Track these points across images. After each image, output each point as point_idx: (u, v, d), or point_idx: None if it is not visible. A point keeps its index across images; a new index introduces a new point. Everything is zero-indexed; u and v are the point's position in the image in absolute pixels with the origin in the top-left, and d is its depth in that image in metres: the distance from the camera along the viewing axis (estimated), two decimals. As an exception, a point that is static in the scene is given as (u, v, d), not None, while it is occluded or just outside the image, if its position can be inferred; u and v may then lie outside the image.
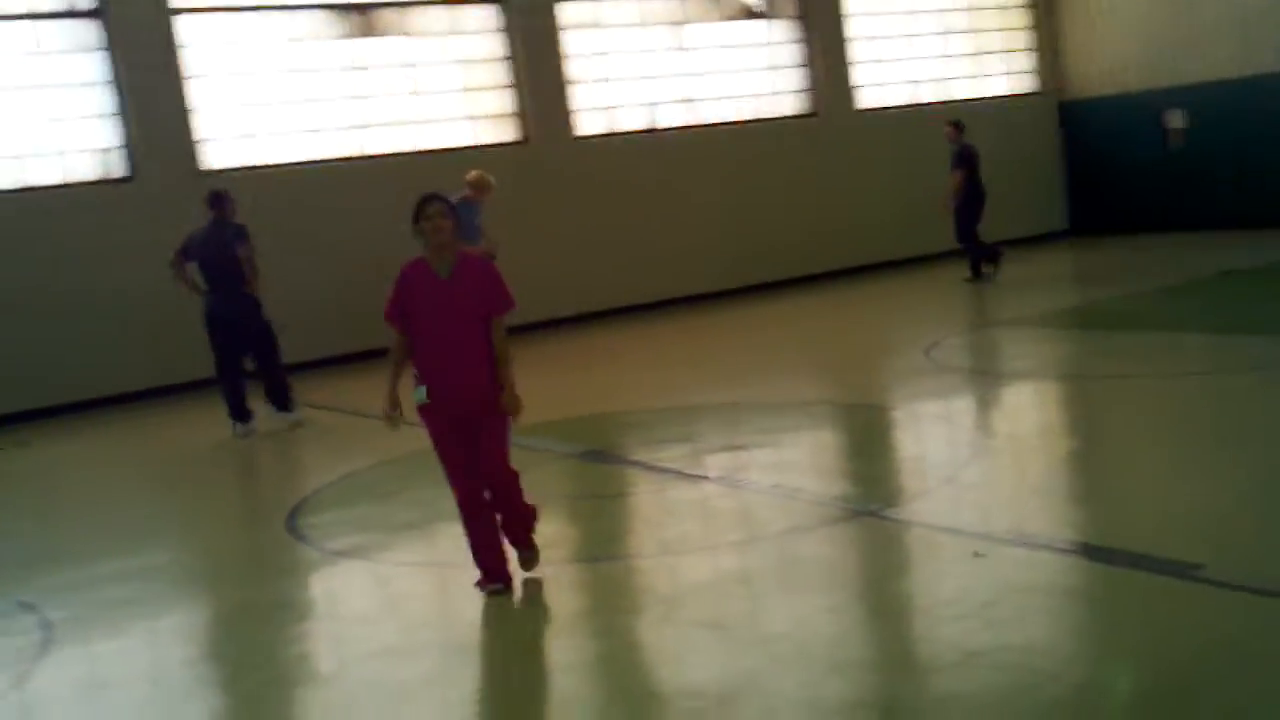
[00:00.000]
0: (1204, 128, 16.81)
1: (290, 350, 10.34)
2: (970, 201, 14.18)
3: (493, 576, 5.31)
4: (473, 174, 11.09)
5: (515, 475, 5.33)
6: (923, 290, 14.55)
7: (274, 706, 4.67)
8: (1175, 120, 17.15)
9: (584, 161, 14.54)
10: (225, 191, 9.75)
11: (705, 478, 7.01)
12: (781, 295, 15.17)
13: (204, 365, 10.00)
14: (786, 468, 7.11)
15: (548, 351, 12.33)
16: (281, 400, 9.79)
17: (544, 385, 10.48)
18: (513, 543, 5.44)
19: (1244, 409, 7.32)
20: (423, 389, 5.23)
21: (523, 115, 14.35)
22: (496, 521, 5.35)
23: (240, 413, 9.68)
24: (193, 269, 9.65)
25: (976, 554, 5.12)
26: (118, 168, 12.31)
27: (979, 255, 14.29)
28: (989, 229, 14.58)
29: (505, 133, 14.32)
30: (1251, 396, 7.57)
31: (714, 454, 7.68)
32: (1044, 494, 6.17)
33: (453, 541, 5.57)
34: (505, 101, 14.30)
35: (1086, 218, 18.35)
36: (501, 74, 14.26)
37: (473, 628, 5.13)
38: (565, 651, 4.87)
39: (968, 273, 14.32)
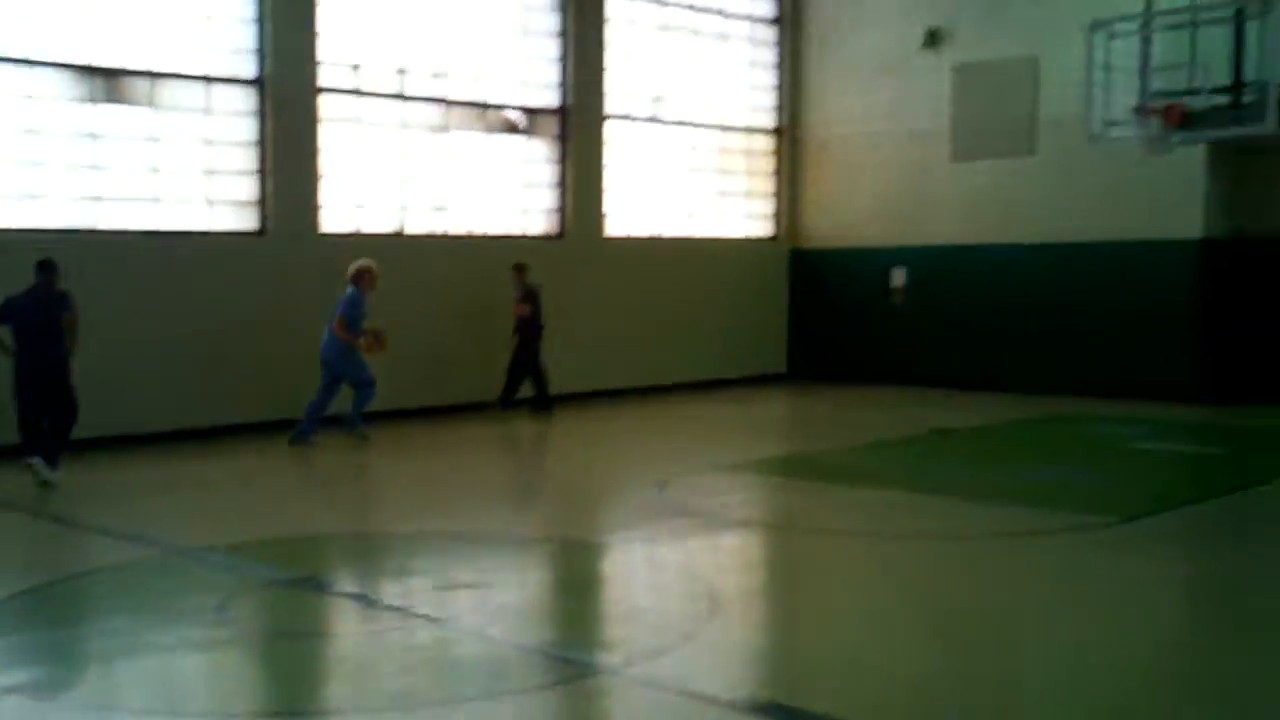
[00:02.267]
0: (926, 288, 17.93)
1: None
2: (532, 339, 14.90)
3: None
4: (363, 263, 12.36)
5: None
6: (651, 424, 14.79)
7: None
8: (899, 278, 18.23)
9: (327, 258, 14.17)
10: (53, 260, 10.28)
11: (422, 616, 6.80)
12: (514, 417, 15.09)
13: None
14: (506, 614, 6.96)
15: (259, 466, 11.84)
16: (53, 458, 10.14)
17: (238, 503, 10.10)
18: None
19: (953, 577, 7.65)
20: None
21: (264, 204, 13.88)
22: None
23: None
24: (4, 331, 10.18)
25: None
26: None
27: (512, 391, 15.05)
28: (706, 368, 15.07)
29: (246, 221, 13.82)
30: (959, 564, 7.93)
31: (434, 591, 7.48)
32: (761, 654, 6.24)
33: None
34: (250, 188, 13.85)
35: (807, 365, 19.14)
36: (250, 159, 13.81)
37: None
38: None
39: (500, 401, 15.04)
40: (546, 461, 12.80)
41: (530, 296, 14.95)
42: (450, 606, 7.05)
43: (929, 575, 7.75)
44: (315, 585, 7.52)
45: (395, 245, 14.82)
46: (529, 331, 14.96)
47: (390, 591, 7.54)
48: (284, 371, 13.43)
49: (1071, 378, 16.53)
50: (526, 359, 15.00)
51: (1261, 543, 8.76)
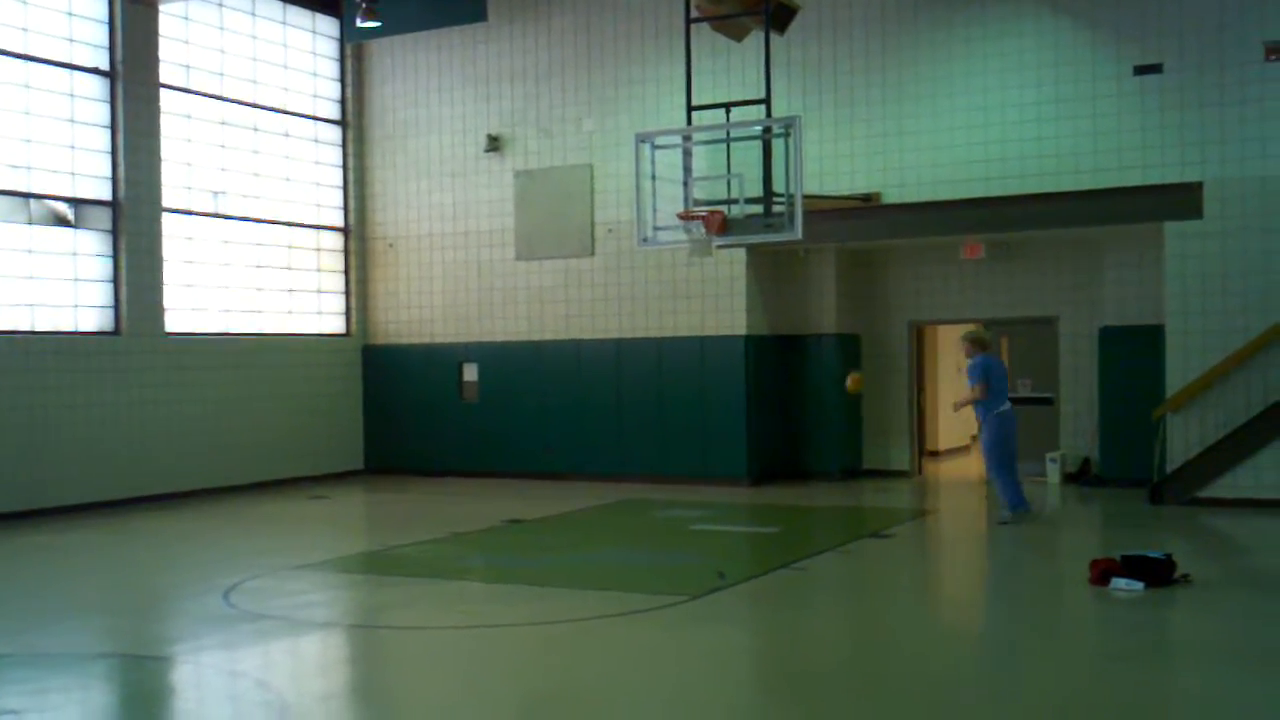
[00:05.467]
0: (496, 382, 18.34)
1: None
2: None
3: None
4: None
5: None
6: (223, 525, 14.16)
7: None
8: (470, 373, 18.57)
9: None
10: None
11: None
12: (73, 522, 14.02)
13: None
14: (60, 736, 6.42)
15: None
16: None
17: None
18: None
19: (535, 664, 7.79)
20: None
21: None
22: None
23: None
24: None
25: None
26: None
27: None
28: (281, 465, 14.75)
29: None
30: (541, 651, 8.08)
31: (-28, 719, 6.77)
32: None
33: None
34: None
35: (383, 458, 19.07)
36: None
37: None
38: None
39: None
40: (103, 570, 11.89)
41: None
42: (-6, 736, 6.42)
43: (512, 663, 7.84)
44: None
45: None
46: None
47: (-80, 726, 6.75)
48: None
49: (637, 464, 17.36)
50: None
51: (811, 610, 9.51)
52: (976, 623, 9.43)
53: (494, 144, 18.37)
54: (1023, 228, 15.72)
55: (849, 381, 14.26)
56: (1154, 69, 14.81)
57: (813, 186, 15.47)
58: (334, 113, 19.20)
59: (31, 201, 14.89)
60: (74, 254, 15.32)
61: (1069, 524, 14.08)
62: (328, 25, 19.09)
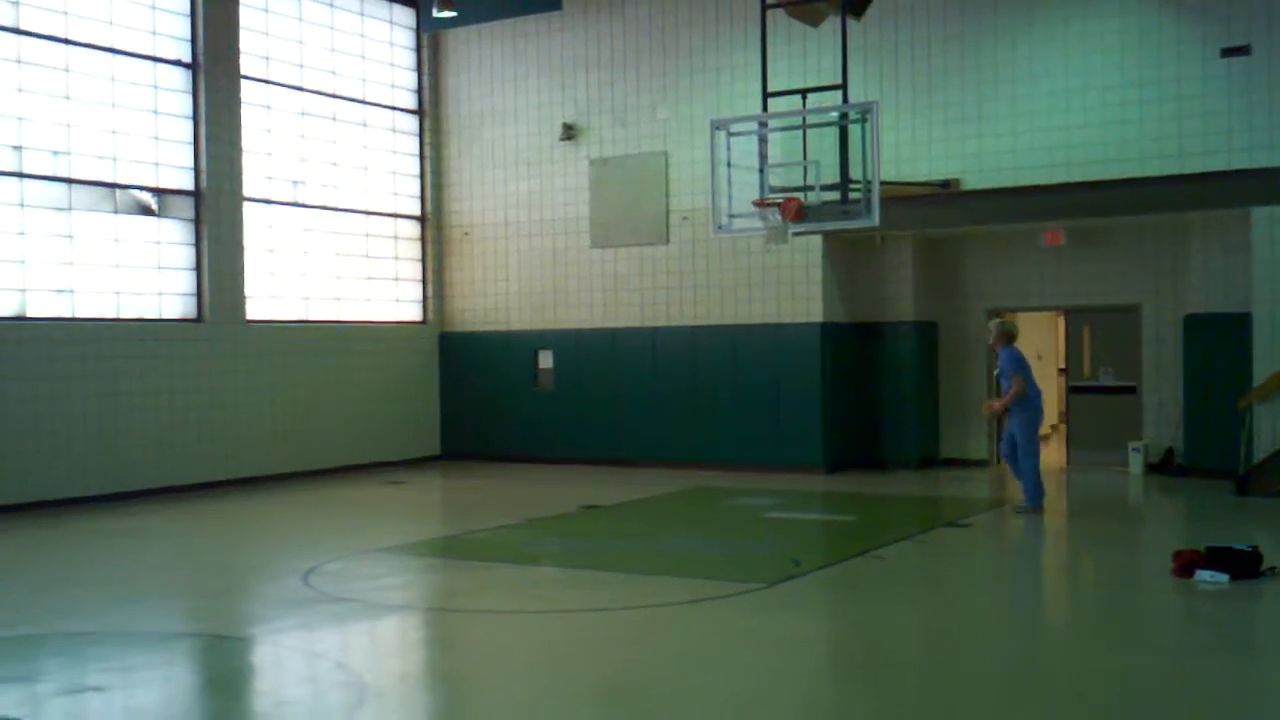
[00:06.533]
0: (571, 369, 18.40)
1: None
2: None
3: None
4: None
5: None
6: (304, 510, 14.36)
7: None
8: (545, 360, 18.65)
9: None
10: None
11: (48, 725, 6.29)
12: (157, 506, 14.31)
13: None
14: (142, 718, 6.54)
15: None
16: None
17: None
18: None
19: (610, 650, 7.80)
20: None
21: None
22: None
23: None
24: None
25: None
26: None
27: None
28: (359, 451, 14.96)
29: None
30: (614, 637, 8.10)
31: (59, 698, 6.93)
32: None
33: None
34: None
35: (459, 444, 19.23)
36: None
37: None
38: None
39: None
40: (186, 552, 12.11)
41: None
42: (77, 714, 6.55)
43: (586, 648, 7.87)
44: (-79, 700, 6.81)
45: (15, 330, 13.85)
46: None
47: (8, 701, 6.90)
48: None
49: (710, 451, 17.32)
50: None
51: (888, 599, 9.43)
52: (1056, 614, 9.29)
53: (569, 132, 18.41)
54: (1105, 214, 15.44)
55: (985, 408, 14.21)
56: (1242, 51, 14.44)
57: (890, 173, 15.30)
58: (411, 102, 19.36)
59: (117, 191, 15.19)
60: (158, 242, 15.61)
61: (1152, 515, 13.82)
62: (404, 15, 19.24)
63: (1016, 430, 12.99)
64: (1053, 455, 18.45)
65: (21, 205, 14.15)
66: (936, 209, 16.02)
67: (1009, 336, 13.11)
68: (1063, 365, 19.16)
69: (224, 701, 7.05)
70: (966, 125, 15.96)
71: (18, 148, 14.11)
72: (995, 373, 13.23)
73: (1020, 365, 12.91)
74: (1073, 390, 17.39)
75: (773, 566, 10.26)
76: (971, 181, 15.86)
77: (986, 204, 15.72)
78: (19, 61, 14.13)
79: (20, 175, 14.12)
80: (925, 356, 17.52)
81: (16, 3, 14.11)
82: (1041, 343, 20.98)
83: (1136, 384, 16.72)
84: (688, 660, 7.59)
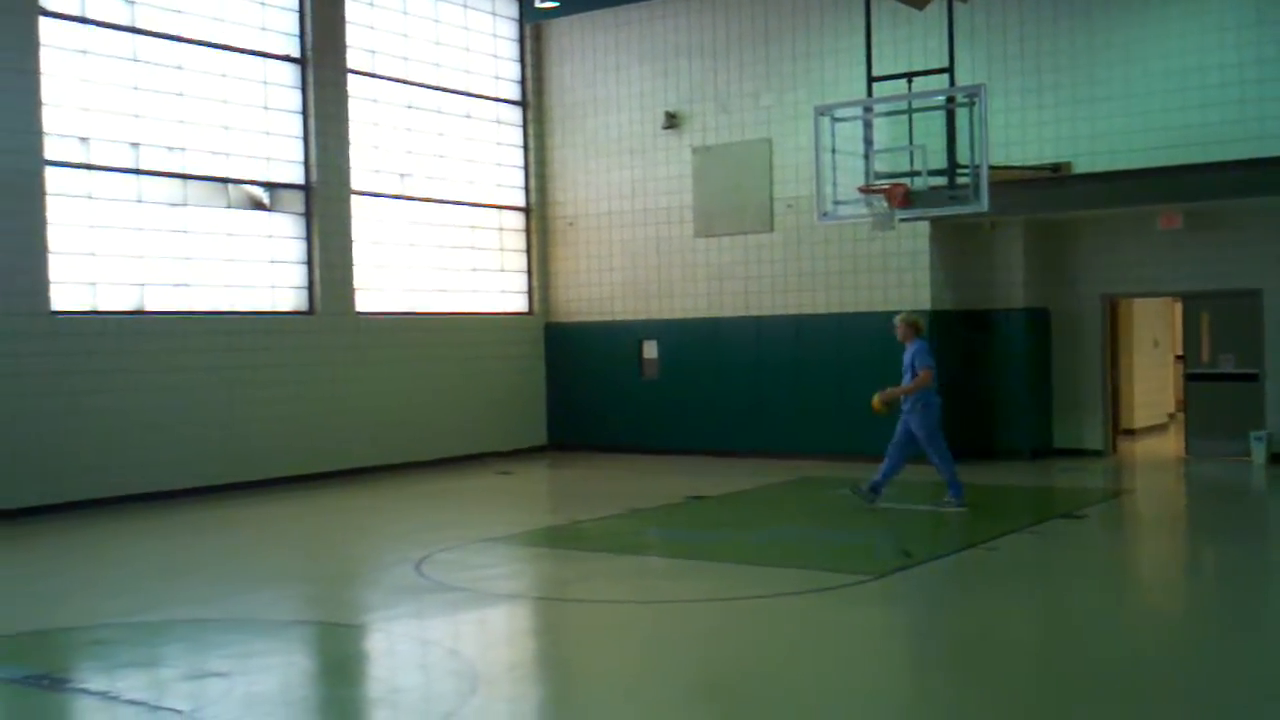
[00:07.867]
0: (675, 359, 18.38)
1: None
2: None
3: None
4: None
5: None
6: (411, 500, 14.55)
7: None
8: (650, 350, 18.66)
9: (59, 342, 13.44)
10: None
11: (169, 709, 6.44)
12: (270, 496, 14.61)
13: None
14: (259, 703, 6.67)
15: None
16: None
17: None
18: None
19: (719, 640, 7.77)
20: None
21: (-12, 283, 13.11)
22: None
23: None
24: None
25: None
26: None
27: None
28: (466, 442, 15.09)
29: (-34, 299, 13.01)
30: (722, 627, 8.07)
31: (182, 682, 7.09)
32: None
33: None
34: (-29, 267, 13.04)
35: (565, 434, 19.32)
36: (-31, 236, 13.02)
37: None
38: None
39: None
40: (300, 541, 12.34)
41: None
42: (199, 698, 6.70)
43: (692, 638, 7.85)
44: (49, 682, 7.02)
45: (134, 324, 14.23)
46: None
47: (134, 685, 7.09)
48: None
49: (815, 442, 17.16)
50: None
51: (1001, 591, 9.25)
52: (1175, 608, 9.02)
53: (672, 121, 18.36)
54: (1223, 196, 14.95)
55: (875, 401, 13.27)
56: (1370, 24, 13.88)
57: (999, 157, 15.01)
58: (514, 93, 19.47)
59: (230, 186, 15.51)
60: (269, 236, 15.91)
61: (1274, 505, 13.37)
62: (507, 7, 19.34)
63: (916, 429, 12.42)
64: (1171, 445, 17.97)
65: (139, 201, 14.51)
66: (1048, 193, 15.66)
67: (916, 329, 12.55)
68: (1180, 352, 18.65)
69: (339, 688, 7.16)
70: (1078, 107, 15.57)
71: (135, 145, 14.47)
72: (902, 367, 12.50)
73: (930, 358, 12.31)
74: (1191, 378, 16.87)
75: (883, 557, 10.12)
76: (1084, 165, 15.48)
77: (1099, 188, 15.33)
78: (135, 60, 14.48)
79: (138, 172, 14.49)
80: (1037, 344, 17.14)
81: (132, 2, 14.46)
82: (1160, 329, 20.44)
83: (1259, 371, 16.18)
84: (795, 652, 7.53)
